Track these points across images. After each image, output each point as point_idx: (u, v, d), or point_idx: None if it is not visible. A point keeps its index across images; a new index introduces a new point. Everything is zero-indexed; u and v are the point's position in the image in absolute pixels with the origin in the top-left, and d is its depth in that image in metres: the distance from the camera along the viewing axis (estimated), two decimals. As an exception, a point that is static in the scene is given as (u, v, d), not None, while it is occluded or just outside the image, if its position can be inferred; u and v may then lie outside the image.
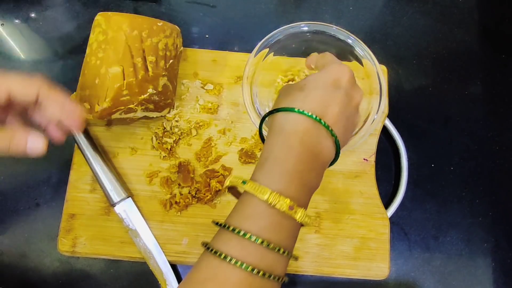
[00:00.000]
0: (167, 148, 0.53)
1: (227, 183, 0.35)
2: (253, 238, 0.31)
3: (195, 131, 0.55)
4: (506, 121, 0.59)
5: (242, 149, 0.54)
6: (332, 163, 0.38)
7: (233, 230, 0.31)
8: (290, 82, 0.55)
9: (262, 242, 0.31)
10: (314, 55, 0.46)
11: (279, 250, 0.32)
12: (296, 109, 0.35)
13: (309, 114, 0.35)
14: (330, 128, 0.35)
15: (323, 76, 0.39)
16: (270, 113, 0.37)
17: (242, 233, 0.31)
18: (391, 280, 0.52)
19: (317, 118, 0.35)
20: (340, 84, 0.38)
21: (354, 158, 0.54)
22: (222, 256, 0.30)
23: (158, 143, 0.53)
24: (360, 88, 0.40)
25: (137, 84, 0.47)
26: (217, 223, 0.34)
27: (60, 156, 0.54)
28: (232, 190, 0.38)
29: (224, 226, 0.33)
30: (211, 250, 0.31)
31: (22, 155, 0.35)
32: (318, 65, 0.44)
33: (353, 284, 0.52)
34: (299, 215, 0.32)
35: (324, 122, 0.35)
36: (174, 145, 0.54)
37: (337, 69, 0.39)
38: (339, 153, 0.37)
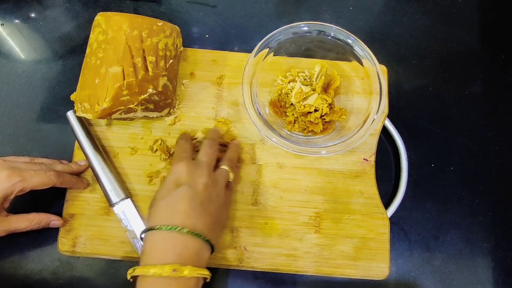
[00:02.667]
0: (167, 151, 0.53)
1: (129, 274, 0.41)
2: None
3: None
4: (506, 121, 0.59)
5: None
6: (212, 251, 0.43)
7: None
8: (291, 83, 0.55)
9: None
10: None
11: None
12: (149, 228, 0.41)
13: (158, 227, 0.40)
14: (181, 229, 0.39)
15: (165, 183, 0.44)
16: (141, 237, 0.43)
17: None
18: (391, 280, 0.52)
19: (166, 227, 0.40)
20: (181, 181, 0.43)
21: (354, 158, 0.54)
22: None
23: (160, 144, 0.53)
24: (202, 166, 0.45)
25: (137, 84, 0.47)
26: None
27: (60, 156, 0.54)
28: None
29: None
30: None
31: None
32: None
33: (353, 284, 0.52)
34: (186, 272, 0.38)
35: (174, 226, 0.39)
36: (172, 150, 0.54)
37: (172, 172, 0.45)
38: (211, 244, 0.42)
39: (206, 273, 0.40)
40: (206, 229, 0.41)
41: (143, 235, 0.42)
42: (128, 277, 0.40)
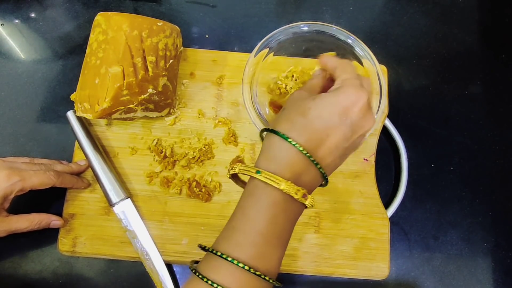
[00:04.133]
0: (161, 152, 0.53)
1: (235, 169, 0.36)
2: (241, 265, 0.32)
3: (196, 139, 0.55)
4: (506, 121, 0.59)
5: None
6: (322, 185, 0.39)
7: (222, 255, 0.33)
8: (292, 83, 0.55)
9: (249, 269, 0.32)
10: (333, 58, 0.43)
11: (265, 277, 0.33)
12: (289, 140, 0.35)
13: (301, 149, 0.35)
14: (318, 165, 0.36)
15: (332, 101, 0.37)
16: (268, 130, 0.37)
17: (230, 259, 0.32)
18: (391, 280, 0.52)
19: (308, 154, 0.35)
20: (348, 114, 0.36)
21: (354, 158, 0.54)
22: (212, 283, 0.32)
23: (155, 145, 0.53)
24: (372, 114, 0.38)
25: (137, 84, 0.47)
26: (204, 248, 0.35)
27: (60, 156, 0.54)
28: (235, 178, 0.38)
29: (213, 251, 0.34)
30: (200, 276, 0.33)
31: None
32: (335, 73, 0.41)
33: (353, 284, 0.52)
34: (308, 201, 0.34)
35: (314, 160, 0.35)
36: (171, 150, 0.54)
37: (350, 96, 0.37)
38: (327, 181, 0.38)
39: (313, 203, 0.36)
40: (330, 172, 0.38)
41: (264, 134, 0.38)
42: (235, 171, 0.37)
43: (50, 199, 0.52)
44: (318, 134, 0.36)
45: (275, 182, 0.34)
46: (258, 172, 0.34)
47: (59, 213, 0.51)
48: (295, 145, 0.35)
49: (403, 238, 0.54)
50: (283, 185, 0.33)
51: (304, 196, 0.34)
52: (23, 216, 0.47)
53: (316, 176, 0.37)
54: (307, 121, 0.36)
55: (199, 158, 0.53)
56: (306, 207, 0.36)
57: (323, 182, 0.38)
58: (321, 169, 0.36)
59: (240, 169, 0.36)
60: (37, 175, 0.45)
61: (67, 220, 0.50)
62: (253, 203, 0.35)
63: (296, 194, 0.34)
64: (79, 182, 0.50)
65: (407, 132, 0.56)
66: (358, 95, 0.37)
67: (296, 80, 0.55)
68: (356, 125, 0.37)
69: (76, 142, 0.53)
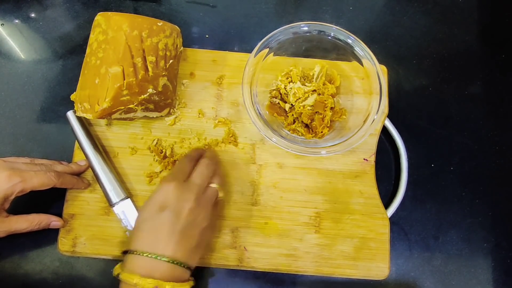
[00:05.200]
0: (161, 152, 0.53)
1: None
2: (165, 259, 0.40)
3: (196, 138, 0.55)
4: (506, 121, 0.59)
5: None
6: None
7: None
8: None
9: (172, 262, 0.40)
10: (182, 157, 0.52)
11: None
12: (129, 252, 0.41)
13: (139, 254, 0.40)
14: (159, 258, 0.40)
15: (150, 203, 0.44)
16: (125, 252, 0.43)
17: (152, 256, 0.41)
18: (391, 280, 0.52)
19: (145, 254, 0.40)
20: (166, 204, 0.43)
21: (354, 158, 0.54)
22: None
23: (155, 145, 0.53)
24: (188, 190, 0.44)
25: (137, 84, 0.47)
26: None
27: (60, 156, 0.54)
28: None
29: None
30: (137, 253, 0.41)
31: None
32: None
33: (353, 284, 0.52)
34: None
35: (154, 255, 0.40)
36: (171, 150, 0.54)
37: (160, 190, 0.44)
38: (186, 267, 0.42)
39: (188, 286, 0.42)
40: (187, 255, 0.42)
41: (124, 255, 0.43)
42: (114, 274, 0.41)
43: (50, 200, 0.52)
44: (148, 234, 0.42)
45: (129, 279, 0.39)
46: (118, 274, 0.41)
47: (59, 214, 0.51)
48: (134, 254, 0.41)
49: (403, 238, 0.54)
50: (135, 281, 0.39)
51: (156, 287, 0.38)
52: (23, 217, 0.47)
53: (174, 270, 0.41)
54: (136, 230, 0.43)
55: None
56: None
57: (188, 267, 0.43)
58: (163, 258, 0.40)
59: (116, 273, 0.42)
60: (37, 176, 0.45)
61: (67, 220, 0.50)
62: None
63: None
64: (79, 183, 0.50)
65: (407, 132, 0.56)
66: (166, 187, 0.44)
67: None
68: (176, 209, 0.42)
69: (76, 142, 0.53)
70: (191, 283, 0.42)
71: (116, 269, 0.42)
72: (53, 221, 0.49)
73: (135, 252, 0.41)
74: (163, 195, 0.43)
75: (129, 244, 0.43)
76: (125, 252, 0.42)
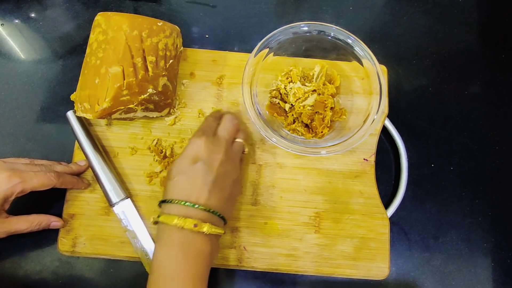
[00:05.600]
0: (161, 152, 0.53)
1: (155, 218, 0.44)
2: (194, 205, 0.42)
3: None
4: (506, 121, 0.59)
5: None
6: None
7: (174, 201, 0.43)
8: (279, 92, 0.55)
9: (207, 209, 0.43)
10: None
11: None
12: (167, 200, 0.43)
13: (175, 202, 0.43)
14: (195, 206, 0.42)
15: (183, 156, 0.46)
16: (162, 202, 0.45)
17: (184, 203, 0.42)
18: (391, 280, 0.52)
19: (182, 202, 0.42)
20: (198, 157, 0.45)
21: (354, 158, 0.54)
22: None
23: (155, 145, 0.53)
24: (220, 146, 0.46)
25: (137, 84, 0.47)
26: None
27: (60, 156, 0.54)
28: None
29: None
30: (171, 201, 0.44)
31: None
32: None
33: (353, 284, 0.52)
34: (205, 228, 0.41)
35: (189, 203, 0.42)
36: (171, 150, 0.54)
37: (192, 145, 0.46)
38: (221, 217, 0.44)
39: (221, 231, 0.43)
40: (220, 205, 0.44)
41: (160, 206, 0.45)
42: (152, 221, 0.44)
43: (50, 200, 0.52)
44: (183, 184, 0.44)
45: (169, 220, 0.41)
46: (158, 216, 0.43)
47: (59, 214, 0.51)
48: (171, 202, 0.43)
49: (403, 238, 0.54)
50: (175, 221, 0.41)
51: (195, 225, 0.41)
52: (23, 217, 0.47)
53: (208, 217, 0.43)
54: (172, 181, 0.45)
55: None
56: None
57: (221, 219, 0.45)
58: (199, 206, 0.42)
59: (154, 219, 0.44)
60: (37, 176, 0.45)
61: (67, 220, 0.50)
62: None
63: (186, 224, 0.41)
64: (79, 183, 0.50)
65: (407, 132, 0.56)
66: (196, 141, 0.46)
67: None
68: (208, 161, 0.44)
69: (76, 142, 0.53)
70: (223, 231, 0.44)
71: (155, 217, 0.43)
72: (53, 221, 0.49)
73: (171, 201, 0.43)
74: (195, 149, 0.45)
75: (164, 195, 0.45)
76: (160, 204, 0.45)
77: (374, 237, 0.51)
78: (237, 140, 0.49)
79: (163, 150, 0.53)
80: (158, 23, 0.49)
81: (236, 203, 0.51)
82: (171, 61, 0.51)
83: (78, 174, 0.52)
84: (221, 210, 0.44)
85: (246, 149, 0.50)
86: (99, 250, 0.50)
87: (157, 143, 0.54)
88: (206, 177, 0.44)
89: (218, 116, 0.51)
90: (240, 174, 0.49)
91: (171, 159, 0.53)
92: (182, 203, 0.42)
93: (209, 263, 0.42)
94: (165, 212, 0.43)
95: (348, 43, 0.53)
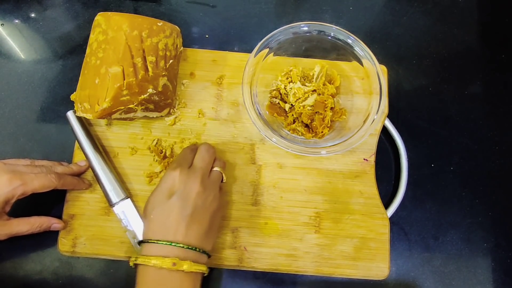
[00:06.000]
0: (161, 152, 0.53)
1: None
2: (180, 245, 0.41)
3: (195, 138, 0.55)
4: (506, 121, 0.59)
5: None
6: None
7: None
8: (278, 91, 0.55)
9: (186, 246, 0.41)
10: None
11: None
12: (144, 241, 0.42)
13: (152, 241, 0.41)
14: (172, 244, 0.41)
15: (157, 190, 0.45)
16: (140, 242, 0.44)
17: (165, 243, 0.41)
18: (391, 280, 0.52)
19: (159, 242, 0.41)
20: (173, 190, 0.44)
21: (354, 158, 0.54)
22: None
23: (155, 145, 0.53)
24: (194, 176, 0.44)
25: (137, 84, 0.47)
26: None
27: (60, 156, 0.54)
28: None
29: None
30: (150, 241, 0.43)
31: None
32: None
33: (353, 284, 0.52)
34: (185, 266, 0.40)
35: (166, 241, 0.41)
36: (171, 150, 0.54)
37: (166, 178, 0.45)
38: (204, 252, 0.43)
39: (203, 269, 0.42)
40: (199, 239, 0.43)
41: (139, 246, 0.44)
42: (131, 263, 0.42)
43: (50, 200, 0.52)
44: (159, 221, 0.42)
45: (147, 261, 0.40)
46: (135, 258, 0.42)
47: (59, 214, 0.51)
48: (149, 242, 0.42)
49: (403, 238, 0.54)
50: (153, 261, 0.40)
51: (173, 264, 0.40)
52: (24, 220, 0.47)
53: (189, 254, 0.42)
54: (148, 218, 0.44)
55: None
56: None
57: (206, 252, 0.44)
58: (177, 244, 0.41)
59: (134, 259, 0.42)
60: (38, 178, 0.45)
61: (67, 222, 0.50)
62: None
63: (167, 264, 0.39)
64: (80, 184, 0.50)
65: (407, 132, 0.56)
66: (171, 174, 0.44)
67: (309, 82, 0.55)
68: (183, 194, 0.43)
69: (76, 142, 0.53)
70: (205, 268, 0.43)
71: (133, 258, 0.42)
72: (54, 223, 0.49)
73: (149, 241, 0.42)
74: (169, 182, 0.44)
75: (143, 234, 0.44)
76: (139, 244, 0.44)
77: (374, 237, 0.51)
78: (215, 169, 0.48)
79: (163, 150, 0.53)
80: (158, 23, 0.49)
81: (218, 233, 0.50)
82: (171, 61, 0.51)
83: (79, 175, 0.52)
84: (202, 245, 0.43)
85: (225, 178, 0.48)
86: (99, 250, 0.50)
87: (157, 143, 0.54)
88: (182, 211, 0.42)
89: (194, 148, 0.49)
90: (220, 203, 0.47)
91: (171, 159, 0.53)
92: (160, 242, 0.41)
93: None
94: (143, 253, 0.42)
95: (348, 43, 0.53)
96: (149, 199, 0.45)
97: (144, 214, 0.45)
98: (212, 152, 0.49)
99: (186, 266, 0.40)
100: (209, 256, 0.44)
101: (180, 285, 0.40)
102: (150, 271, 0.40)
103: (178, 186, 0.44)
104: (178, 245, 0.41)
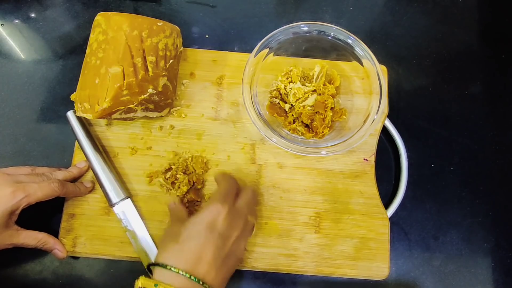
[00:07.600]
0: (173, 182, 0.52)
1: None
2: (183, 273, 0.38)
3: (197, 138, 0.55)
4: (506, 121, 0.59)
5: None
6: None
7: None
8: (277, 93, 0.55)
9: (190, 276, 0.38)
10: (219, 175, 0.49)
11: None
12: (168, 267, 0.39)
13: (180, 272, 0.38)
14: (201, 282, 0.38)
15: (197, 220, 0.42)
16: (152, 264, 0.41)
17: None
18: (391, 280, 0.52)
19: (187, 275, 0.38)
20: (214, 227, 0.42)
21: (354, 158, 0.54)
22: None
23: (169, 178, 0.52)
24: (240, 219, 0.43)
25: (137, 84, 0.47)
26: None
27: (60, 156, 0.54)
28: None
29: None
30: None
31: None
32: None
33: (353, 284, 0.52)
34: None
35: (195, 278, 0.38)
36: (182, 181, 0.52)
37: (212, 210, 0.42)
38: None
39: None
40: (221, 284, 0.41)
41: (151, 268, 0.41)
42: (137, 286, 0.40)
43: (50, 200, 0.52)
44: (193, 253, 0.40)
45: None
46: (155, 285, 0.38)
47: (59, 214, 0.50)
48: (174, 270, 0.39)
49: (403, 238, 0.54)
50: None
51: None
52: (33, 234, 0.47)
53: None
54: (180, 245, 0.41)
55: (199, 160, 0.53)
56: None
57: None
58: (204, 284, 0.39)
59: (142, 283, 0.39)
60: (41, 188, 0.45)
61: (67, 253, 0.49)
62: None
63: None
64: (81, 191, 0.51)
65: (407, 132, 0.56)
66: (218, 208, 0.42)
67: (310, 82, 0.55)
68: (225, 235, 0.41)
69: (76, 142, 0.53)
70: None
71: (142, 283, 0.38)
72: (57, 249, 0.48)
73: (173, 268, 0.39)
74: (214, 215, 0.42)
75: (164, 257, 0.41)
76: (152, 266, 0.41)
77: (374, 237, 0.51)
78: (249, 218, 0.46)
79: (175, 179, 0.52)
80: (158, 23, 0.49)
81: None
82: (171, 61, 0.51)
83: (80, 177, 0.52)
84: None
85: (253, 232, 0.47)
86: (99, 250, 0.50)
87: (167, 173, 0.52)
88: (220, 252, 0.40)
89: (236, 182, 0.48)
90: (242, 254, 0.45)
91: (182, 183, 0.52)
92: (187, 275, 0.38)
93: None
94: (163, 280, 0.38)
95: (348, 43, 0.53)
96: (187, 224, 0.42)
97: (173, 235, 0.42)
98: (257, 199, 0.48)
99: None
100: None
101: None
102: None
103: (222, 224, 0.42)
104: (205, 285, 0.39)
